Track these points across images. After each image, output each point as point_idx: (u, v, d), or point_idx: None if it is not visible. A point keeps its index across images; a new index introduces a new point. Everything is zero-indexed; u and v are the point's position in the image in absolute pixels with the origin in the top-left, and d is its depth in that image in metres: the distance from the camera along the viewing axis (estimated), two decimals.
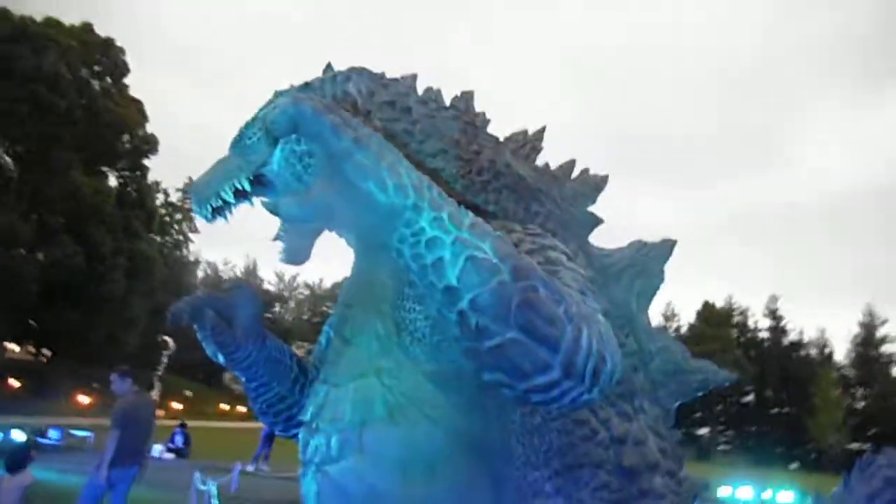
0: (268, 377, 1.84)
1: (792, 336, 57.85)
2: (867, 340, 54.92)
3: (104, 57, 29.93)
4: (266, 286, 64.44)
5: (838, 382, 51.17)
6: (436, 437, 1.47)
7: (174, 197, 42.91)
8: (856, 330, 55.76)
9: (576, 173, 2.03)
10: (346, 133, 1.29)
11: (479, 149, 1.82)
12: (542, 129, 2.06)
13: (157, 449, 15.56)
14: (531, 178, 1.88)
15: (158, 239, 36.78)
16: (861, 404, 53.42)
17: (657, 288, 2.01)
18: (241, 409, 47.25)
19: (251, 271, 64.63)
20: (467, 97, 1.94)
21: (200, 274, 53.10)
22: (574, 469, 1.65)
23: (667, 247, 2.02)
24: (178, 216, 43.67)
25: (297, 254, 1.65)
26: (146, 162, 31.95)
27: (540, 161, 2.02)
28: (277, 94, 1.79)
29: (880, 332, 54.56)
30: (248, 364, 1.79)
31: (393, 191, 1.27)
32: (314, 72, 1.85)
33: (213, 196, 1.72)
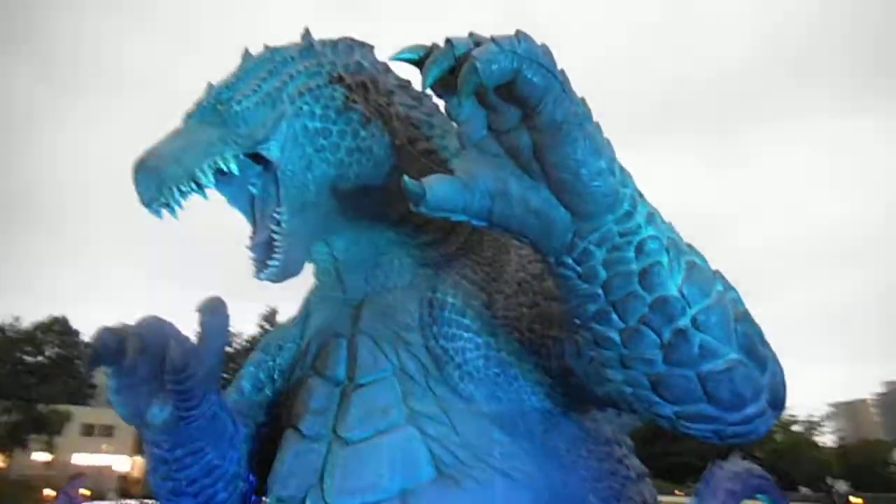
0: (204, 441, 1.42)
1: None
2: None
3: None
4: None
5: None
6: (517, 497, 1.21)
7: None
8: None
9: None
10: (575, 93, 0.94)
11: None
12: None
13: None
14: None
15: None
16: None
17: None
18: None
19: None
20: None
21: None
22: None
23: None
24: None
25: (292, 265, 1.37)
26: None
27: None
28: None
29: None
30: (198, 425, 1.37)
31: (619, 175, 0.97)
32: None
33: (184, 178, 1.26)
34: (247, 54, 1.49)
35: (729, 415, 1.00)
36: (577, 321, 1.05)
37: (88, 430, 45.93)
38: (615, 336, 1.00)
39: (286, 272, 1.34)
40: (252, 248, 1.37)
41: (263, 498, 1.80)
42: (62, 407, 41.00)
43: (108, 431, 46.45)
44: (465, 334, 1.31)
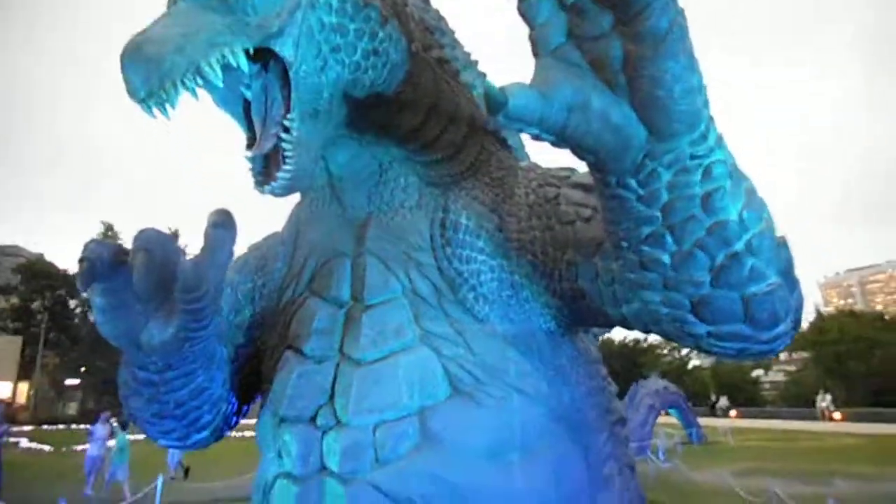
0: (197, 363, 1.36)
1: None
2: None
3: None
4: None
5: None
6: (532, 412, 1.27)
7: None
8: None
9: None
10: (678, 3, 0.86)
11: None
12: None
13: None
14: None
15: None
16: None
17: None
18: None
19: None
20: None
21: None
22: (615, 426, 1.59)
23: None
24: None
25: (301, 177, 1.22)
26: None
27: None
28: None
29: None
30: (196, 346, 1.30)
31: (704, 95, 0.91)
32: None
33: (189, 71, 1.05)
34: None
35: (761, 334, 1.04)
36: (625, 244, 1.03)
37: None
38: (665, 258, 0.98)
39: (295, 185, 1.20)
40: (252, 159, 1.20)
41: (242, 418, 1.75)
42: None
43: None
44: (480, 256, 1.30)
